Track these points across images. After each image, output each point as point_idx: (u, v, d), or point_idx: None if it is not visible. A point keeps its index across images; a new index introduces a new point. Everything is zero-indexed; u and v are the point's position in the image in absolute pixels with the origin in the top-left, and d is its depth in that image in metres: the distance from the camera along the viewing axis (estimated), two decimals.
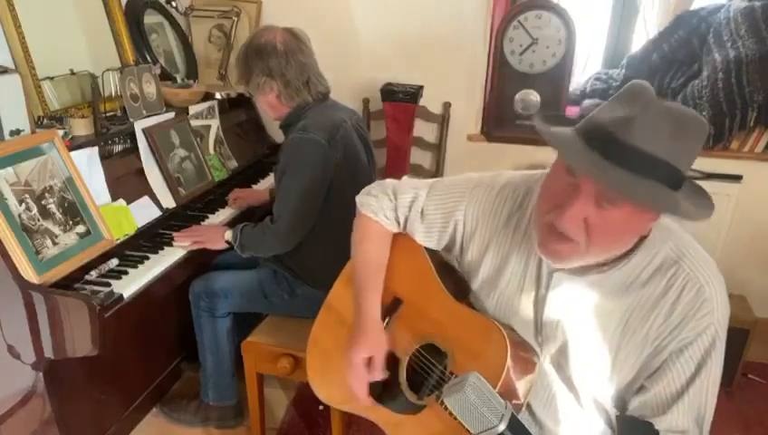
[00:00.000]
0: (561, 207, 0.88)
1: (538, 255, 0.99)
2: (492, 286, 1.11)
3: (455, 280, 1.20)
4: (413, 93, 2.49)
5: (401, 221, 1.23)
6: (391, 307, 1.22)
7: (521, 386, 1.03)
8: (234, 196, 2.13)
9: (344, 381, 1.20)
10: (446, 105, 2.57)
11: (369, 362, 1.15)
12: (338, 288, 1.36)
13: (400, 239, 1.25)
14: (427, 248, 1.23)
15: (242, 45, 1.81)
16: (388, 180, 1.27)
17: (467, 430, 0.86)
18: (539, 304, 1.05)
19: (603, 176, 0.82)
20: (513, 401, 1.02)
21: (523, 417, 0.85)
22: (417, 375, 1.16)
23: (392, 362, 1.18)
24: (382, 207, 1.23)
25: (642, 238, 0.96)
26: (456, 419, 0.95)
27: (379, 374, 1.15)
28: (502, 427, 0.81)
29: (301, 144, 1.68)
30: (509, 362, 0.99)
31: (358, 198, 1.28)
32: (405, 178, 1.27)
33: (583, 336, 1.01)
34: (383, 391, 1.19)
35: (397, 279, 1.22)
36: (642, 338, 0.96)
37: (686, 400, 0.95)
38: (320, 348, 1.34)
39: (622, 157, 0.82)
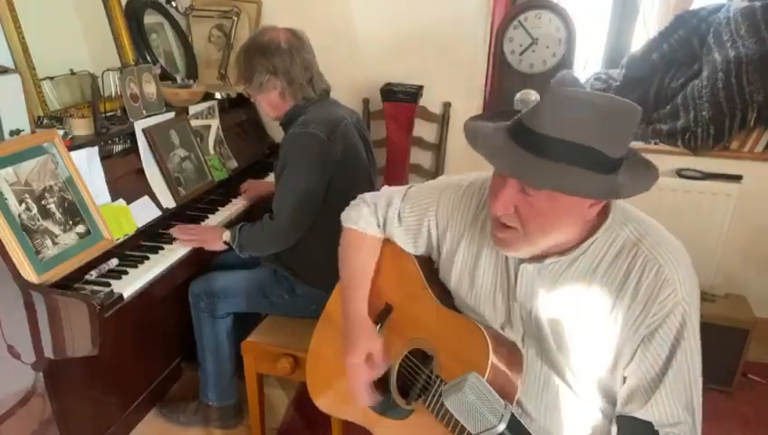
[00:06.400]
0: (493, 197, 0.94)
1: None
2: (468, 284, 1.12)
3: (442, 285, 1.20)
4: (413, 93, 2.49)
5: (381, 224, 1.26)
6: (383, 313, 1.23)
7: (508, 383, 1.02)
8: (245, 186, 2.18)
9: (343, 390, 1.20)
10: (446, 105, 2.57)
11: (368, 359, 1.15)
12: (335, 298, 1.37)
13: (390, 246, 1.26)
14: (417, 255, 1.24)
15: (242, 45, 1.81)
16: (367, 193, 1.31)
17: (468, 431, 0.86)
18: (511, 296, 1.06)
19: (511, 168, 0.88)
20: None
21: (515, 412, 0.85)
22: (407, 380, 1.15)
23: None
24: (361, 214, 1.27)
25: (602, 222, 0.97)
26: (447, 421, 0.95)
27: (381, 370, 1.14)
28: (501, 427, 0.81)
29: (300, 138, 1.69)
30: (491, 359, 0.99)
31: (342, 215, 1.32)
32: (384, 187, 1.31)
33: (560, 324, 1.02)
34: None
35: (387, 285, 1.23)
36: (614, 321, 0.97)
37: (667, 384, 0.94)
38: (319, 358, 1.35)
39: (537, 146, 0.85)
